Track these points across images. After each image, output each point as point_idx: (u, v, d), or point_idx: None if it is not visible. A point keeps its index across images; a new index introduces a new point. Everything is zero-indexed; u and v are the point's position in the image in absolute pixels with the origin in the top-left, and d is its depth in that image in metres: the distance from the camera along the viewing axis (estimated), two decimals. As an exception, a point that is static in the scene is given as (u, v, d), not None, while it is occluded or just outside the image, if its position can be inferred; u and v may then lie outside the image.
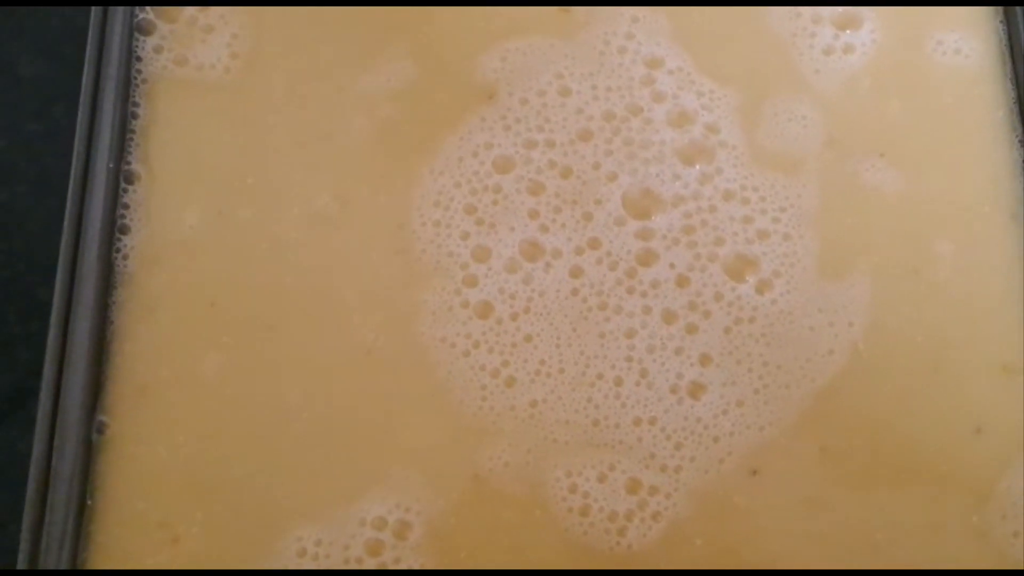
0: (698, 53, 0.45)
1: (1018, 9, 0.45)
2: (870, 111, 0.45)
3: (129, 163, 0.44)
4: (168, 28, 0.46)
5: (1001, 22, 0.46)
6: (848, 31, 0.46)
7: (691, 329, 0.42)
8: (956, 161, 0.44)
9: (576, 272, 0.43)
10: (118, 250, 0.43)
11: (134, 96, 0.45)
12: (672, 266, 0.43)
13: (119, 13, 0.45)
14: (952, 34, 0.46)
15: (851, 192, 0.44)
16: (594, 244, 0.43)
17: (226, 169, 0.44)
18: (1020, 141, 0.45)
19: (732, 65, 0.45)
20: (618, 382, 0.42)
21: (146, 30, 0.45)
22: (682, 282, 0.43)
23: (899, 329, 0.42)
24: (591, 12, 0.46)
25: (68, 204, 0.42)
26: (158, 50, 0.45)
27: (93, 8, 0.45)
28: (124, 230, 0.43)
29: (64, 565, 0.39)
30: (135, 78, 0.45)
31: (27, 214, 0.52)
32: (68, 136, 0.44)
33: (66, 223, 0.42)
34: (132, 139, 0.44)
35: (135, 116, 0.44)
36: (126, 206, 0.43)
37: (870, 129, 0.45)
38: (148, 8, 0.46)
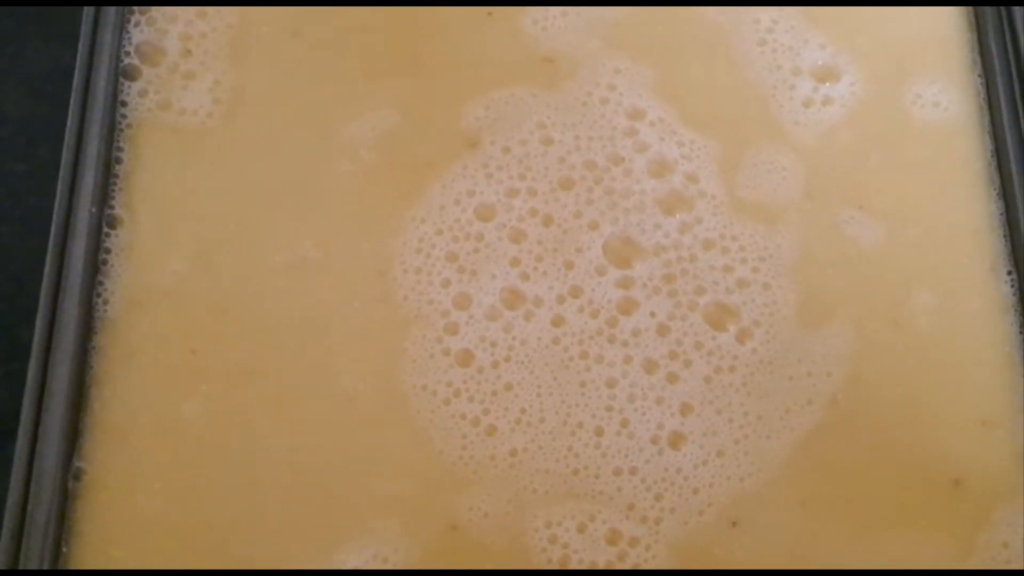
0: (679, 104, 0.46)
1: (996, 63, 0.46)
2: (849, 163, 0.45)
3: (112, 207, 0.44)
4: (152, 72, 0.46)
5: (979, 75, 0.47)
6: (827, 84, 0.47)
7: (672, 378, 0.42)
8: (935, 213, 0.45)
9: (557, 321, 0.43)
10: (99, 295, 0.43)
11: (118, 140, 0.45)
12: (653, 315, 0.43)
13: (104, 56, 0.45)
14: (931, 87, 0.47)
15: (830, 243, 0.44)
16: (575, 292, 0.43)
17: (209, 215, 0.44)
18: (998, 193, 0.45)
19: (712, 116, 0.46)
20: (599, 432, 0.41)
21: (131, 75, 0.46)
22: (663, 331, 0.43)
23: (878, 380, 0.43)
24: (574, 63, 0.46)
25: (50, 248, 0.42)
26: (143, 94, 0.46)
27: (79, 50, 0.45)
28: (106, 275, 0.43)
29: (37, 613, 0.38)
30: (119, 122, 0.45)
31: (9, 253, 0.52)
32: (53, 176, 0.44)
33: (47, 267, 0.42)
34: (116, 183, 0.44)
35: (119, 160, 0.44)
36: (108, 251, 0.43)
37: (849, 181, 0.45)
38: (132, 52, 0.46)
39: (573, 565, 0.40)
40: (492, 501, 0.41)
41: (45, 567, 0.39)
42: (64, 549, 0.40)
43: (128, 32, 0.46)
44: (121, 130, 0.45)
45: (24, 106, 0.55)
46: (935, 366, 0.43)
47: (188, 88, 0.46)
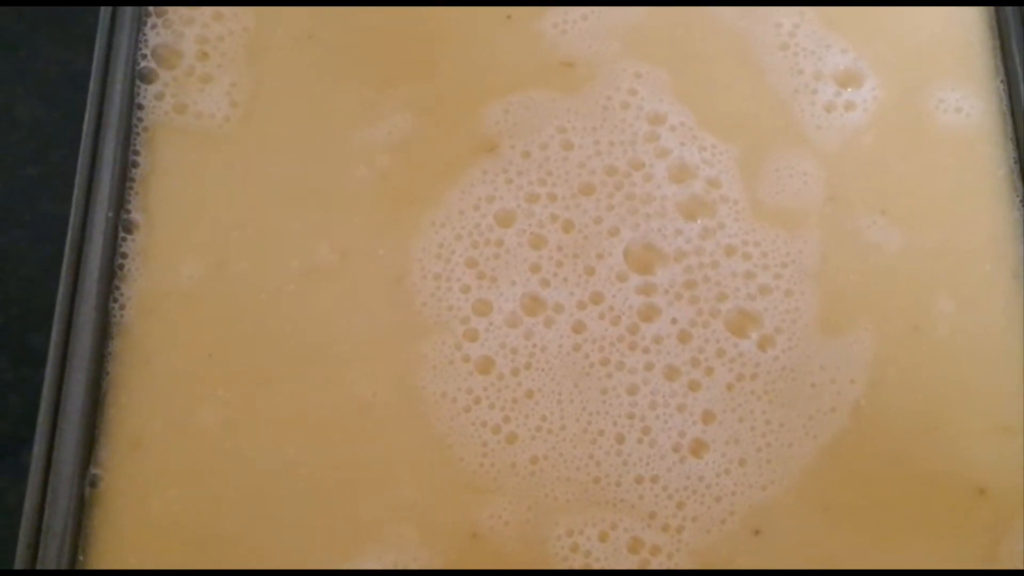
0: (700, 109, 0.45)
1: (1019, 69, 0.46)
2: (871, 168, 0.45)
3: (129, 212, 0.44)
4: (169, 75, 0.46)
5: (1002, 81, 0.47)
6: (849, 89, 0.46)
7: (694, 386, 0.42)
8: (957, 219, 0.45)
9: (578, 327, 0.42)
10: (115, 300, 0.42)
11: (135, 144, 0.44)
12: (674, 321, 0.43)
13: (121, 59, 0.45)
14: (953, 93, 0.46)
15: (852, 249, 0.44)
16: (596, 299, 0.43)
17: (225, 219, 0.44)
18: (1021, 200, 0.45)
19: (734, 121, 0.45)
20: (620, 439, 0.41)
21: (148, 78, 0.45)
22: (684, 338, 0.43)
23: (900, 387, 0.42)
24: (594, 67, 0.46)
25: (66, 253, 0.42)
26: (159, 97, 0.45)
27: (95, 54, 0.45)
28: (122, 279, 0.43)
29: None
30: (136, 126, 0.45)
31: (21, 259, 0.52)
32: (65, 181, 0.44)
33: (64, 272, 0.42)
34: (132, 187, 0.44)
35: (135, 164, 0.44)
36: (124, 255, 0.43)
37: (871, 186, 0.45)
38: (149, 55, 0.46)
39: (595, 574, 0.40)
40: (513, 509, 0.40)
41: (62, 574, 0.39)
42: (80, 556, 0.39)
43: (144, 35, 0.46)
44: (137, 133, 0.45)
45: (36, 110, 0.54)
46: (957, 373, 0.43)
47: (205, 91, 0.45)
